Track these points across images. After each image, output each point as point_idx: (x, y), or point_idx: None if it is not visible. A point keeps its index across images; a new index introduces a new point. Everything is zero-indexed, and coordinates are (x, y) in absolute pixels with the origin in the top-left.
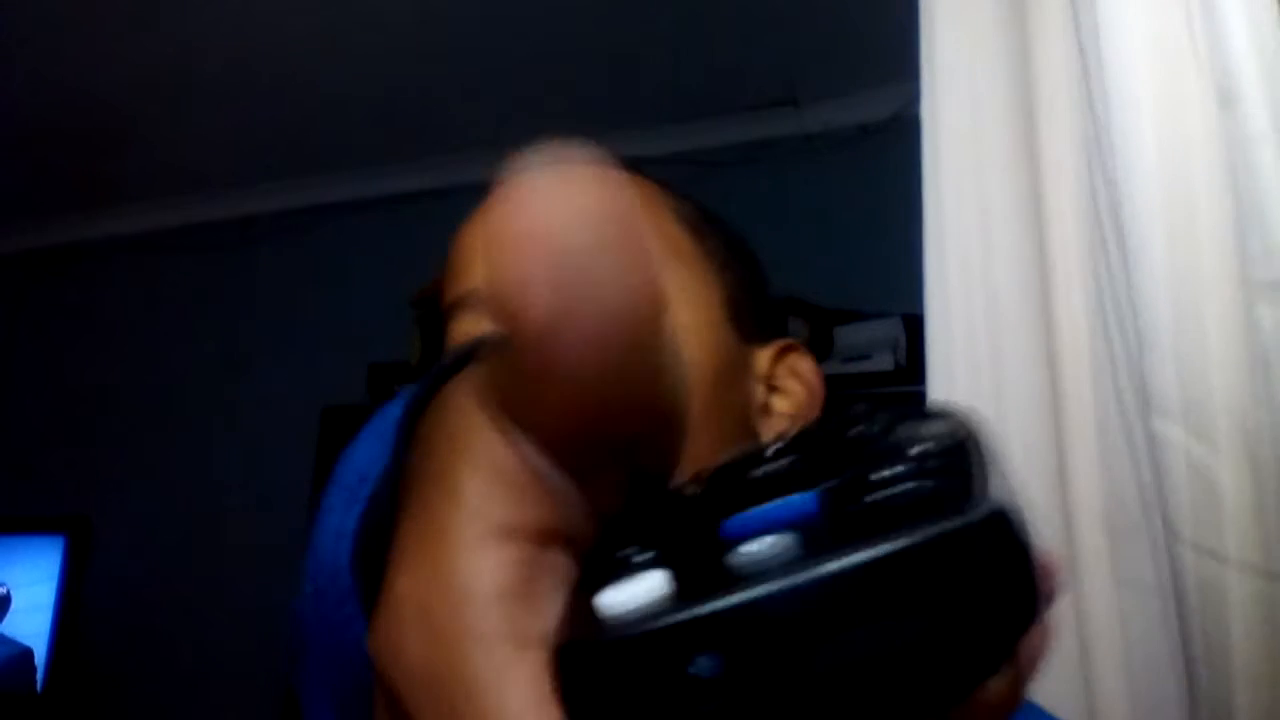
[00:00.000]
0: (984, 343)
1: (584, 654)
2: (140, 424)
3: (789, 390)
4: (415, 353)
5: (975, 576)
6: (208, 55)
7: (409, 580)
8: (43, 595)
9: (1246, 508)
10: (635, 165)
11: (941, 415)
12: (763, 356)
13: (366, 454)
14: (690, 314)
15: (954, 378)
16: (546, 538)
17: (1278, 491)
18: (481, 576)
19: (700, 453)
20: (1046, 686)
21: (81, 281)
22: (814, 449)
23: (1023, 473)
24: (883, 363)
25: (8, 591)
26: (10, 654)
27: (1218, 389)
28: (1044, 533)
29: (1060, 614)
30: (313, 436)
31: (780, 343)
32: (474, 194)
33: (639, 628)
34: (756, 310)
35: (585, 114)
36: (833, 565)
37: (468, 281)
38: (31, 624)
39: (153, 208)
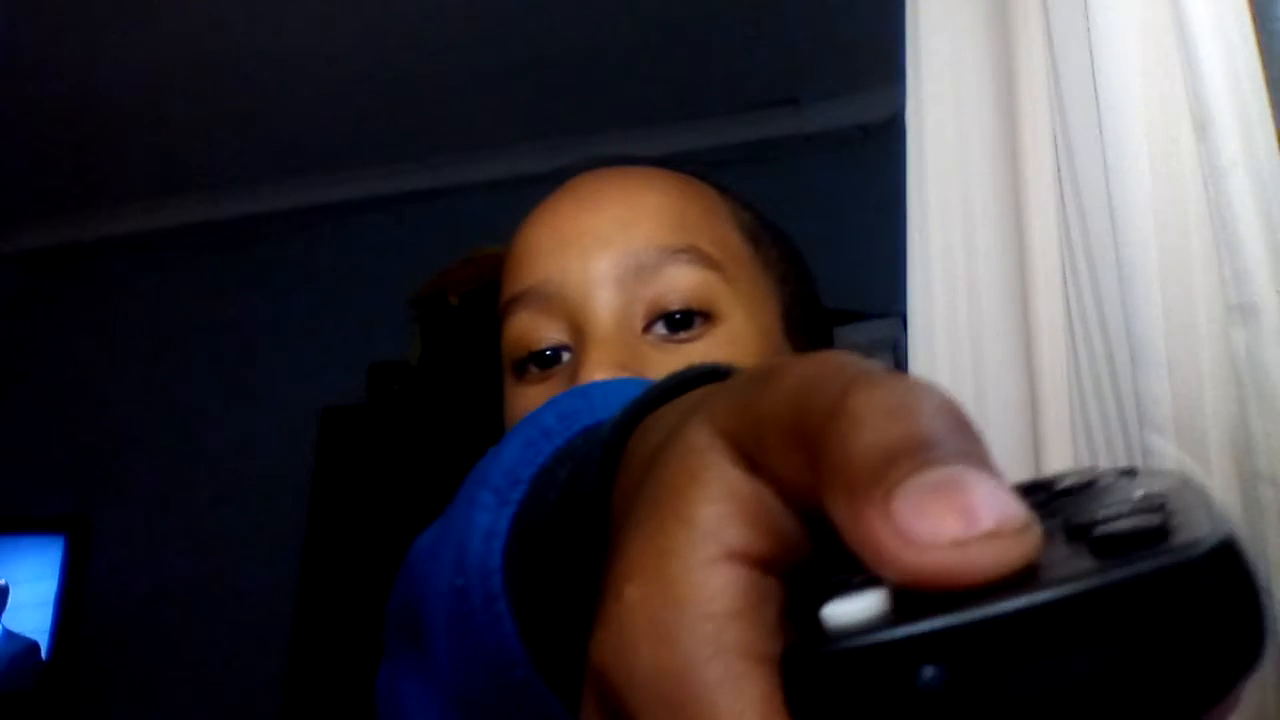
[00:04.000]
0: (966, 347)
1: (813, 664)
2: (140, 424)
3: None
4: (415, 353)
5: (1205, 608)
6: (209, 55)
7: (639, 592)
8: (44, 592)
9: (1236, 523)
10: (699, 168)
11: (1156, 472)
12: None
13: (515, 457)
14: (749, 323)
15: (936, 382)
16: (771, 565)
17: (1263, 508)
18: (716, 594)
19: None
20: None
21: (81, 281)
22: (1024, 493)
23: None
24: (883, 363)
25: (6, 583)
26: (17, 649)
27: (1209, 406)
28: None
29: None
30: (313, 436)
31: None
32: (474, 194)
33: (868, 639)
34: (811, 321)
35: (585, 114)
36: (1065, 589)
37: (527, 278)
38: (32, 620)
39: (153, 208)
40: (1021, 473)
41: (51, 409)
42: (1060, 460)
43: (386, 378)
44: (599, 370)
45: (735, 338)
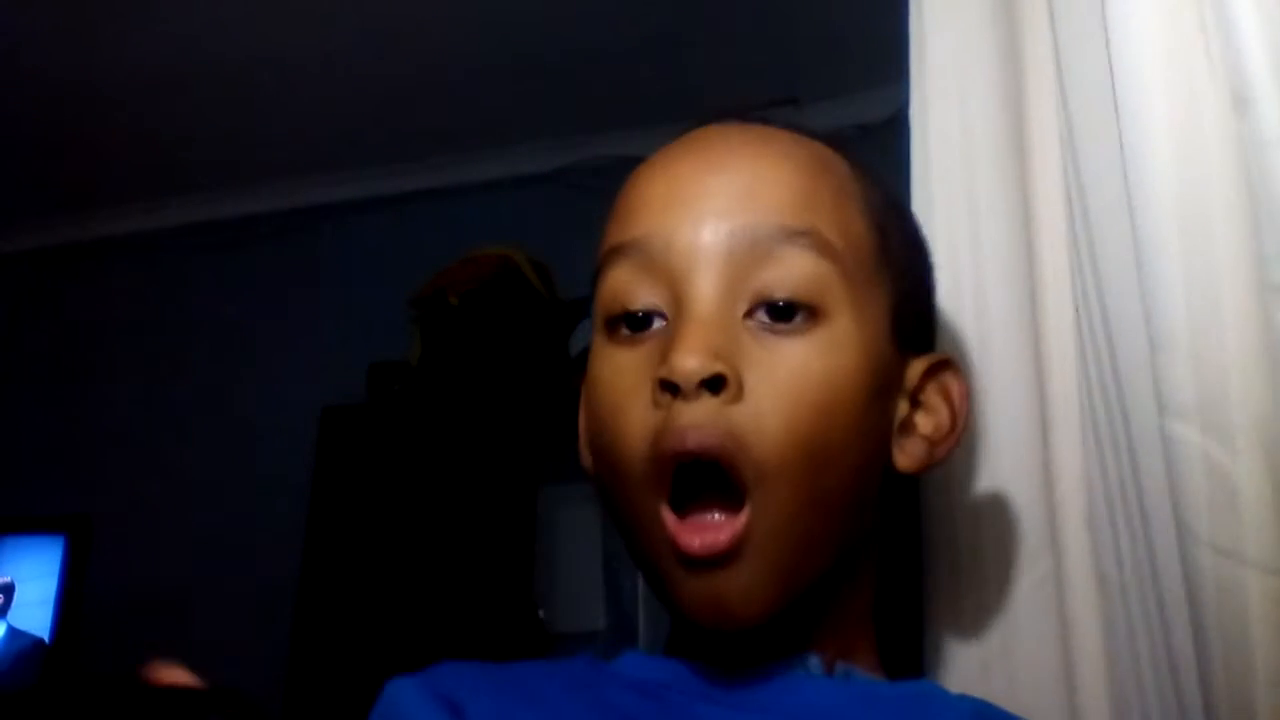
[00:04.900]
0: (972, 344)
1: None
2: (140, 424)
3: (934, 409)
4: (415, 353)
5: None
6: (209, 55)
7: None
8: (44, 591)
9: (1265, 508)
10: (842, 140)
11: None
12: (915, 368)
13: None
14: (855, 328)
15: None
16: None
17: None
18: None
19: (844, 472)
20: (1027, 679)
21: (82, 281)
22: None
23: (1010, 477)
24: None
25: (11, 580)
26: (22, 646)
27: (1235, 390)
28: (1034, 536)
29: (1043, 606)
30: (313, 436)
31: (935, 356)
32: (474, 194)
33: None
34: (920, 319)
35: (585, 114)
36: None
37: (633, 229)
38: (34, 619)
39: (153, 207)
40: (1029, 470)
41: (51, 409)
42: (1069, 456)
43: (386, 378)
44: (692, 355)
45: (837, 343)
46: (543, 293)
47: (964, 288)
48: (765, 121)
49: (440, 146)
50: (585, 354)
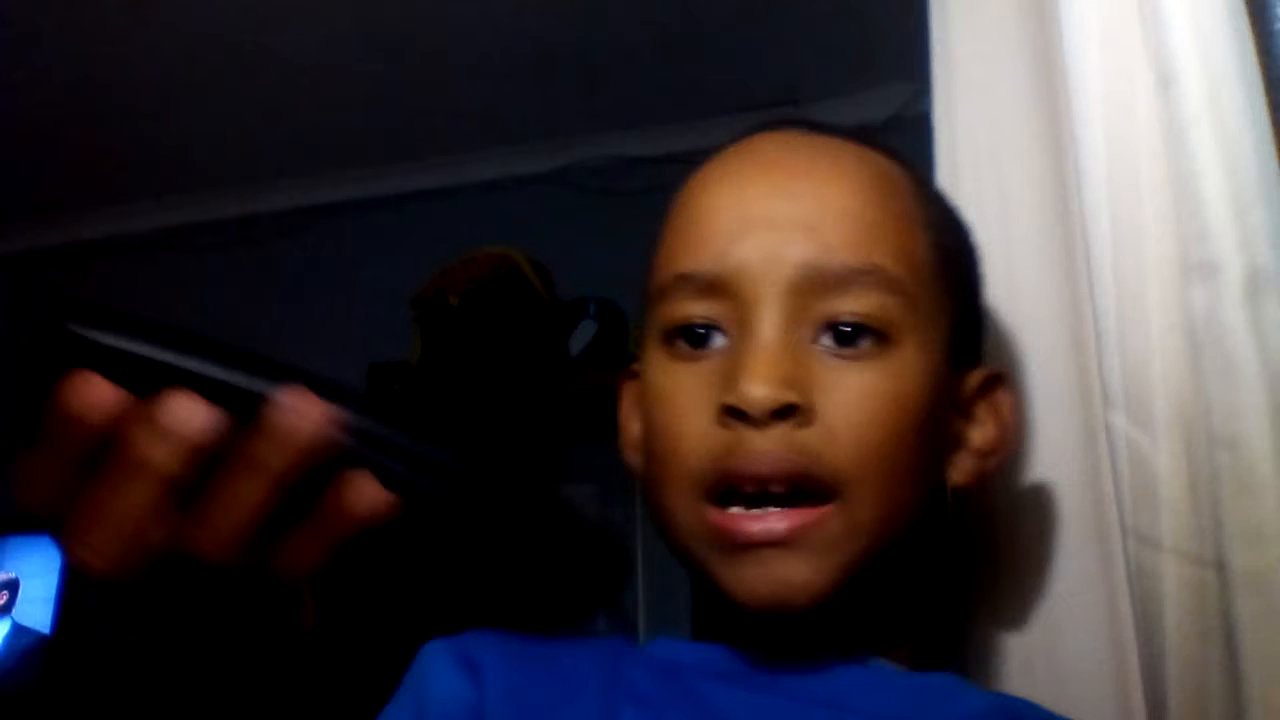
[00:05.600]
0: (1005, 340)
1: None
2: None
3: (984, 424)
4: (415, 353)
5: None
6: (209, 55)
7: None
8: (45, 589)
9: (1181, 495)
10: (891, 147)
11: None
12: (968, 382)
13: None
14: (919, 356)
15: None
16: None
17: (1209, 478)
18: None
19: (906, 491)
20: (1074, 674)
21: (82, 281)
22: None
23: (1051, 472)
24: None
25: (16, 576)
26: (27, 643)
27: (1157, 375)
28: (1077, 531)
29: (1090, 601)
30: None
31: (987, 371)
32: (474, 194)
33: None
34: (975, 336)
35: (586, 114)
36: None
37: (700, 258)
38: (36, 618)
39: (153, 208)
40: (1071, 465)
41: None
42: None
43: (386, 378)
44: (762, 385)
45: (902, 370)
46: (543, 293)
47: (995, 284)
48: (825, 129)
49: (440, 146)
50: (585, 354)
